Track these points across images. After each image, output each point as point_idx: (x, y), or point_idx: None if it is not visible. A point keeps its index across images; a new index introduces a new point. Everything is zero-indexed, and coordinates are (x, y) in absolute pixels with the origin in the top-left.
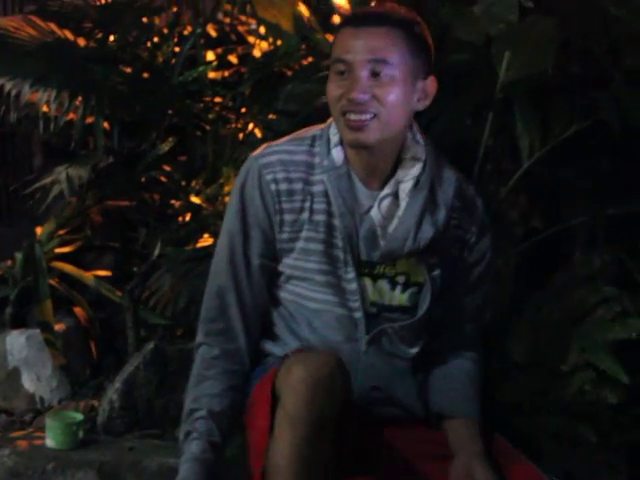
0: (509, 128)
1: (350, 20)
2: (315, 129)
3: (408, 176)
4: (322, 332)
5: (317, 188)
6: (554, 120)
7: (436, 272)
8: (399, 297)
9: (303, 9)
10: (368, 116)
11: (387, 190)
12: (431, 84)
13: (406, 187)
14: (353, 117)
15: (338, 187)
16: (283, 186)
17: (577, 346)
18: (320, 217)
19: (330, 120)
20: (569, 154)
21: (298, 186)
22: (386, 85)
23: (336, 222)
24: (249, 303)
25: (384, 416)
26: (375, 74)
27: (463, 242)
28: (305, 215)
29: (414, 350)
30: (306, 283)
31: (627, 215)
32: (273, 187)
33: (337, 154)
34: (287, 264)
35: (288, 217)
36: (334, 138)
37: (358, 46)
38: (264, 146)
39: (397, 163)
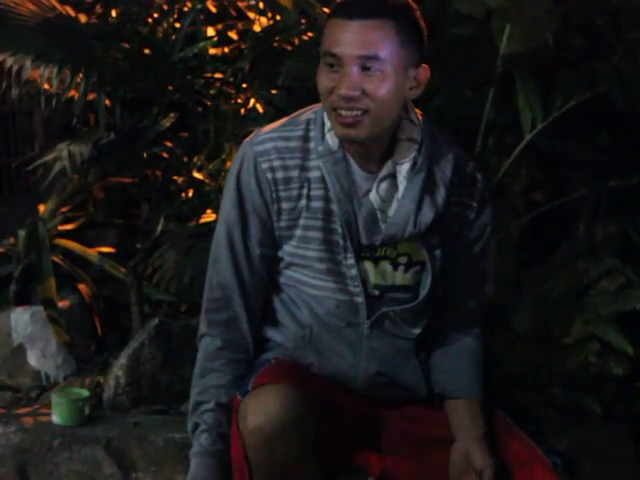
0: (510, 101)
1: (340, 10)
2: (309, 112)
3: (405, 158)
4: (323, 317)
5: (314, 174)
6: (555, 93)
7: (437, 252)
8: (402, 277)
9: None
10: (359, 112)
11: (385, 172)
12: (424, 72)
13: (403, 169)
14: (344, 113)
15: (335, 173)
16: (280, 174)
17: (581, 318)
18: (318, 204)
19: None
20: (570, 127)
21: (294, 173)
22: (377, 80)
23: (334, 208)
24: (251, 291)
25: (388, 399)
26: (365, 69)
27: (463, 218)
28: (303, 202)
29: (417, 330)
30: (306, 270)
31: (631, 188)
32: (270, 176)
33: (332, 139)
34: (287, 251)
35: (286, 205)
36: (328, 122)
37: (348, 40)
38: (258, 132)
39: (393, 143)
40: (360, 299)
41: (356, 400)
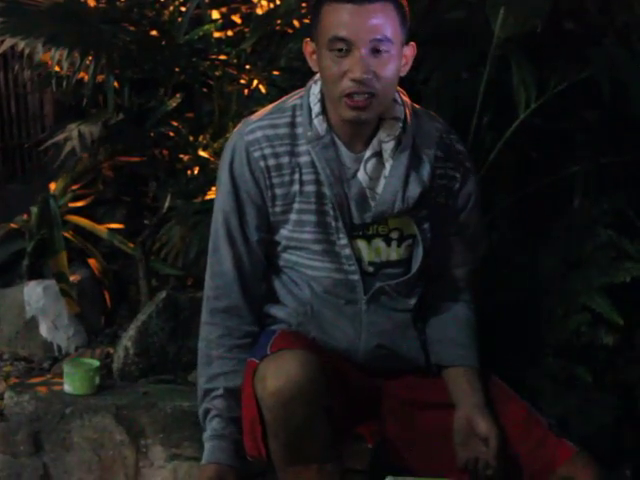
0: (505, 82)
1: None
2: (294, 98)
3: (389, 136)
4: (323, 296)
5: (304, 159)
6: (549, 74)
7: (425, 225)
8: (396, 251)
9: None
10: (368, 95)
11: (370, 151)
12: (412, 49)
13: (388, 147)
14: (357, 97)
15: (325, 157)
16: (271, 161)
17: (572, 290)
18: (310, 187)
19: (308, 87)
20: (564, 107)
21: (285, 160)
22: (385, 61)
23: (325, 190)
24: (250, 278)
25: (389, 369)
26: (375, 51)
27: (448, 190)
28: (295, 187)
29: (412, 301)
30: (303, 252)
31: (625, 164)
32: (262, 164)
33: (320, 124)
34: (283, 235)
35: (279, 191)
36: (315, 108)
37: (358, 24)
38: (246, 121)
39: (378, 122)
40: (356, 277)
41: (357, 371)
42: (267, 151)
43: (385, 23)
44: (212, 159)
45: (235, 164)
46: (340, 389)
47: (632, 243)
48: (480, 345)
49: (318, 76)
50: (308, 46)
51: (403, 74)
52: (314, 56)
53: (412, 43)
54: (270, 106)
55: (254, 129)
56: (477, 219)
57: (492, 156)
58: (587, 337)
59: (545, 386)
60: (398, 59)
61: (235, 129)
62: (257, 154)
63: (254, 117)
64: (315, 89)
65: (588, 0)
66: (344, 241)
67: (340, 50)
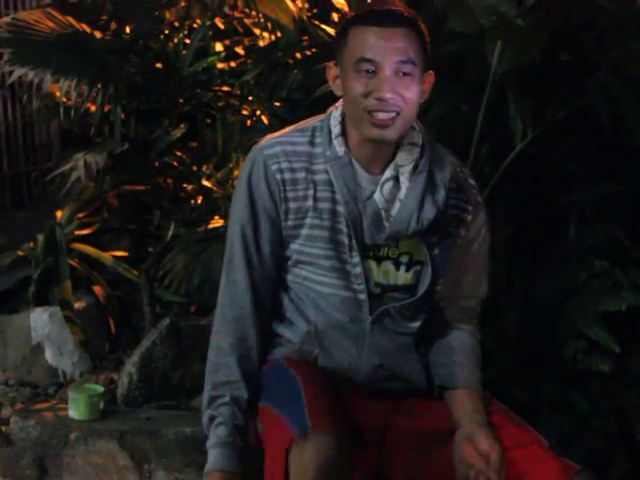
0: (502, 113)
1: (367, 18)
2: (315, 121)
3: (407, 160)
4: (328, 313)
5: (320, 177)
6: (545, 105)
7: (436, 251)
8: (404, 276)
9: (298, 4)
10: (393, 114)
11: (388, 174)
12: (430, 77)
13: (406, 170)
14: (381, 115)
15: (342, 176)
16: (287, 175)
17: (570, 318)
18: (324, 205)
19: (329, 112)
20: (560, 137)
21: (301, 175)
22: (408, 84)
23: (340, 209)
24: (261, 290)
25: (390, 391)
26: (399, 74)
27: (460, 220)
28: (309, 203)
29: (416, 324)
30: (312, 267)
31: (620, 194)
32: (278, 176)
33: (339, 145)
34: (294, 249)
35: (293, 205)
36: (335, 130)
37: (384, 46)
38: (267, 137)
39: (396, 147)
40: (363, 296)
41: (359, 397)
42: (284, 165)
43: (409, 46)
44: (215, 188)
45: (253, 176)
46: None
47: (626, 273)
48: (482, 372)
49: (339, 102)
50: (332, 70)
51: (422, 100)
52: (337, 80)
53: (430, 71)
54: (292, 126)
55: (274, 144)
56: (486, 253)
57: (490, 186)
58: (583, 364)
59: (541, 412)
60: (420, 83)
61: (255, 145)
62: (274, 167)
63: (275, 134)
64: (336, 113)
65: (583, 33)
66: (356, 259)
67: (367, 71)
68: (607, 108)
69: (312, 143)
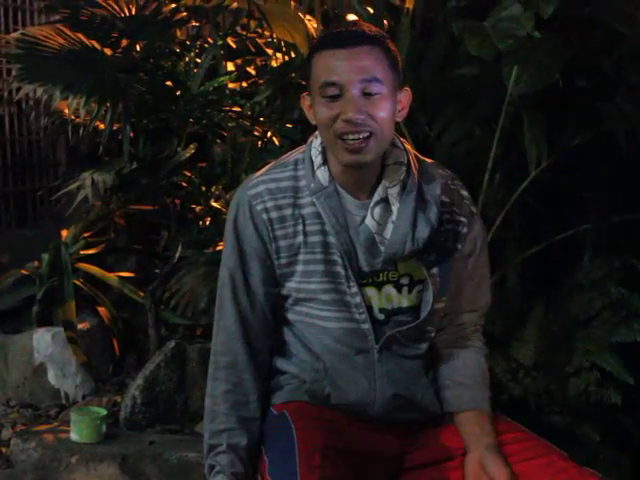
0: (517, 138)
1: (328, 42)
2: (296, 153)
3: (395, 180)
4: (333, 347)
5: (307, 210)
6: (561, 131)
7: (434, 269)
8: (407, 298)
9: (311, 26)
10: (365, 135)
11: (377, 197)
12: (407, 95)
13: (394, 191)
14: (351, 138)
15: (329, 206)
16: (274, 214)
17: (583, 348)
18: (315, 238)
19: (310, 142)
20: (574, 164)
21: (288, 212)
22: (377, 103)
23: (332, 240)
24: (255, 334)
25: (405, 421)
26: (366, 93)
27: (456, 234)
28: (300, 238)
29: (423, 346)
30: (312, 303)
31: (636, 222)
32: (265, 216)
33: (322, 175)
34: (291, 288)
35: (283, 243)
36: (317, 159)
37: (347, 67)
38: (250, 178)
39: (382, 169)
40: (367, 325)
41: (374, 432)
42: (269, 204)
43: (373, 65)
44: (224, 210)
45: (239, 219)
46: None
47: None
48: (490, 390)
49: (318, 128)
50: (305, 100)
51: (400, 119)
52: (311, 110)
53: (406, 88)
54: (272, 163)
55: (257, 183)
56: (485, 263)
57: (503, 213)
58: (595, 395)
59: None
60: (391, 102)
61: (240, 186)
62: (260, 207)
63: (257, 173)
64: (316, 143)
65: (602, 59)
66: (354, 289)
67: (333, 96)
68: (625, 135)
69: (295, 177)
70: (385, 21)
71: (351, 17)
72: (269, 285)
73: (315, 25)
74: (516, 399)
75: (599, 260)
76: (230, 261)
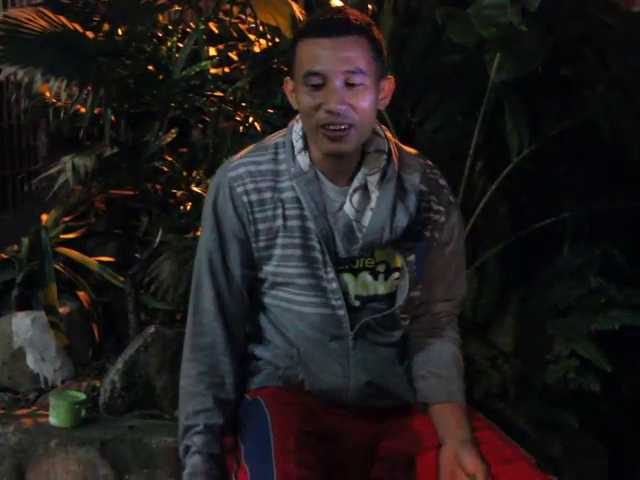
0: (499, 126)
1: (312, 29)
2: (277, 136)
3: (375, 169)
4: (308, 333)
5: (287, 194)
6: (543, 119)
7: (411, 257)
8: (383, 285)
9: (297, 9)
10: (346, 126)
11: (356, 184)
12: (390, 83)
13: (374, 179)
14: (332, 128)
15: (309, 191)
16: (254, 197)
17: (562, 336)
18: (294, 222)
19: (291, 126)
20: (556, 152)
21: (267, 195)
22: (360, 93)
23: (310, 225)
24: (232, 316)
25: (378, 409)
26: (349, 84)
27: (434, 223)
28: (279, 222)
29: (397, 334)
30: (289, 287)
31: (616, 211)
32: (245, 199)
33: (302, 159)
34: (268, 271)
35: (262, 226)
36: (297, 144)
37: (331, 57)
38: (230, 160)
39: (362, 156)
40: (342, 312)
41: (347, 418)
42: (250, 186)
43: (358, 55)
44: (205, 195)
45: (219, 201)
46: (328, 447)
47: (620, 290)
48: (465, 382)
49: (300, 115)
50: (288, 84)
51: (382, 107)
52: (294, 94)
53: (390, 77)
54: (252, 145)
55: (237, 165)
56: (461, 252)
57: (484, 201)
58: (574, 383)
59: (529, 431)
60: (374, 91)
61: (219, 168)
62: (240, 189)
63: (237, 155)
64: (297, 127)
65: (584, 47)
66: (331, 275)
67: (316, 85)
68: (607, 122)
69: (276, 160)
70: (369, 6)
71: (336, 1)
72: (247, 267)
73: (297, 10)
74: (495, 386)
75: (579, 248)
76: (209, 242)
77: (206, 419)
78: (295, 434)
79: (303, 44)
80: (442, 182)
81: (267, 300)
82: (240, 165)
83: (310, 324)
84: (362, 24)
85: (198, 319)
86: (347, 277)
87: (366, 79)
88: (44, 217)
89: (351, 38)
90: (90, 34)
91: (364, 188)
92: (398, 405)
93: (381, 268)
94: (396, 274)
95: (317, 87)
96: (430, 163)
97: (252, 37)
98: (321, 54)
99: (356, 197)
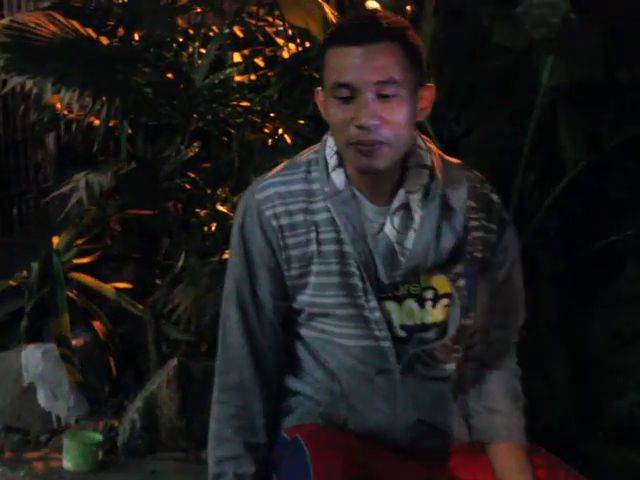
0: (552, 136)
1: (341, 37)
2: (309, 152)
3: (417, 185)
4: (352, 367)
5: (321, 216)
6: (600, 127)
7: (461, 282)
8: (431, 313)
9: (330, 12)
10: (379, 142)
11: (397, 203)
12: (430, 92)
13: (416, 197)
14: (364, 144)
15: (345, 212)
16: (284, 220)
17: (626, 367)
18: (330, 247)
19: (324, 140)
20: (616, 164)
21: (299, 218)
22: (394, 106)
23: (348, 249)
24: (263, 351)
25: (429, 450)
26: (381, 96)
27: (485, 243)
28: (312, 247)
29: (450, 367)
30: (327, 319)
31: None
32: (274, 223)
33: (338, 177)
34: (304, 302)
35: (294, 252)
36: (332, 161)
37: (361, 67)
38: (259, 180)
39: (403, 171)
40: (387, 343)
41: (395, 460)
42: (279, 209)
43: (391, 64)
44: (231, 214)
45: (246, 226)
46: None
47: None
48: (527, 416)
49: (330, 129)
50: (319, 95)
51: (422, 119)
52: (324, 106)
53: (430, 85)
54: (283, 163)
55: (266, 186)
56: (518, 275)
57: (538, 217)
58: None
59: (593, 471)
60: (411, 102)
61: (247, 189)
62: (269, 213)
63: (267, 175)
64: (331, 141)
65: None
66: (373, 303)
67: (345, 98)
68: None
69: (308, 179)
70: (408, 7)
71: (371, 3)
72: (279, 298)
73: (333, 11)
74: (552, 423)
75: None
76: (236, 271)
77: (235, 467)
78: (338, 479)
79: (332, 52)
80: (493, 197)
81: (304, 332)
82: (269, 186)
83: (353, 357)
84: (395, 29)
85: (226, 356)
86: (391, 305)
87: (400, 89)
88: (55, 240)
89: (382, 45)
90: (104, 39)
91: (406, 207)
92: (452, 445)
93: (428, 294)
94: (445, 300)
95: (347, 100)
96: (480, 176)
97: (280, 41)
98: (350, 64)
99: (398, 217)
